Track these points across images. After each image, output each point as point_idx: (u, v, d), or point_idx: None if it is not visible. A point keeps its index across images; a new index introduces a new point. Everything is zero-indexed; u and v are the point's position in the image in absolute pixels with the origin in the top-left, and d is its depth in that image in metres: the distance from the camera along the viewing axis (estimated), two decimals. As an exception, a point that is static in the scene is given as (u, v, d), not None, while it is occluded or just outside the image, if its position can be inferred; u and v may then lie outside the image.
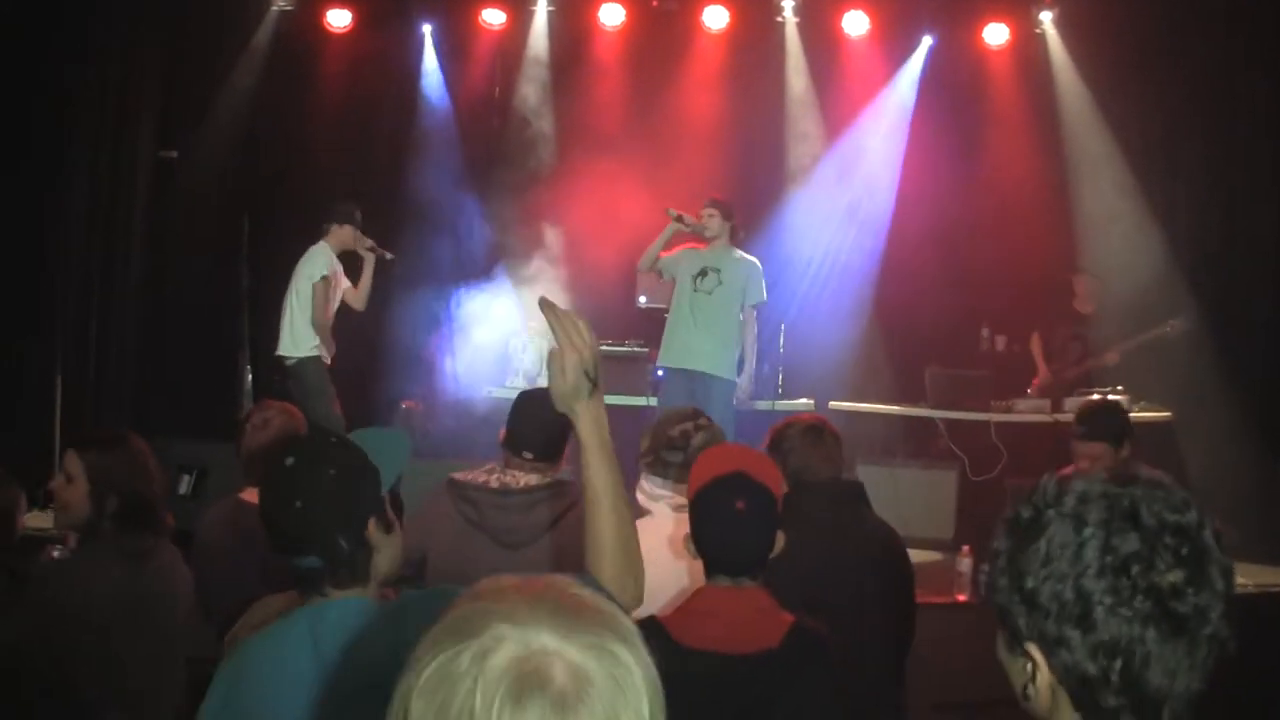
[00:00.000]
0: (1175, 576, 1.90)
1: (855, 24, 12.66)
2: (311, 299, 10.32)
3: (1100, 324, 11.50)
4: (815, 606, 4.07)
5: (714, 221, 10.38)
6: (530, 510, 4.84)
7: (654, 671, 1.62)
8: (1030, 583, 1.96)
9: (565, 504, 4.83)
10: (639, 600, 2.99)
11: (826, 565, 4.73)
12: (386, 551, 3.12)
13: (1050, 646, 1.95)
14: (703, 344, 10.30)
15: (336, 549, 3.00)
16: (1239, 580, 5.86)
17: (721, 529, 3.73)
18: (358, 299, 10.80)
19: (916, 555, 10.16)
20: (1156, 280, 11.47)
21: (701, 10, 12.61)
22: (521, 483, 4.88)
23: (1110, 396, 10.50)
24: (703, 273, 10.34)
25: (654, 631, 3.45)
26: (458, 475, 5.02)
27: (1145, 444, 10.61)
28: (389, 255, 10.96)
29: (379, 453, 3.16)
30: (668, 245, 10.55)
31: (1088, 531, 1.93)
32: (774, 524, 3.84)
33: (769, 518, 3.82)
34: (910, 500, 10.75)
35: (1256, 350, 11.56)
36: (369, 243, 10.72)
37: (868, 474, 10.84)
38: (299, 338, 10.41)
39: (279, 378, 11.24)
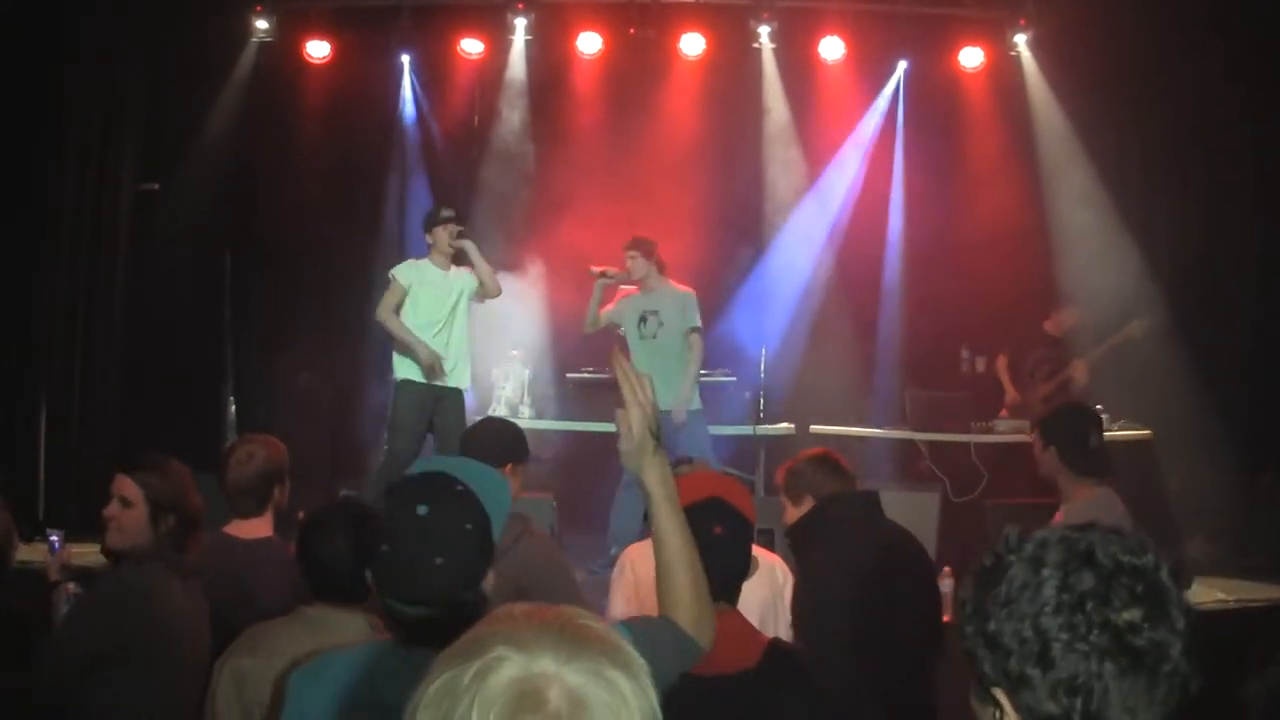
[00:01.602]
0: (1131, 614, 1.93)
1: (831, 49, 12.71)
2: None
3: (1074, 344, 11.55)
4: (852, 605, 4.21)
5: (637, 264, 10.42)
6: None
7: (652, 702, 1.66)
8: (993, 625, 2.00)
9: (508, 542, 4.84)
10: (710, 634, 3.09)
11: (859, 566, 4.92)
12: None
13: (1014, 687, 1.98)
14: (659, 387, 10.19)
15: (462, 604, 2.93)
16: (1219, 596, 5.93)
17: (699, 554, 3.78)
18: (488, 287, 9.86)
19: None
20: (1135, 297, 11.53)
21: (679, 37, 12.65)
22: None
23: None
24: (643, 319, 10.45)
25: None
26: None
27: (1125, 462, 10.71)
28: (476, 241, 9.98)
29: (486, 497, 3.08)
30: (604, 300, 10.60)
31: (1046, 572, 1.98)
32: (749, 549, 3.93)
33: (745, 543, 3.91)
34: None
35: (1235, 367, 11.63)
36: (456, 229, 9.71)
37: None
38: (397, 358, 9.72)
39: (263, 409, 11.24)
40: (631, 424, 2.95)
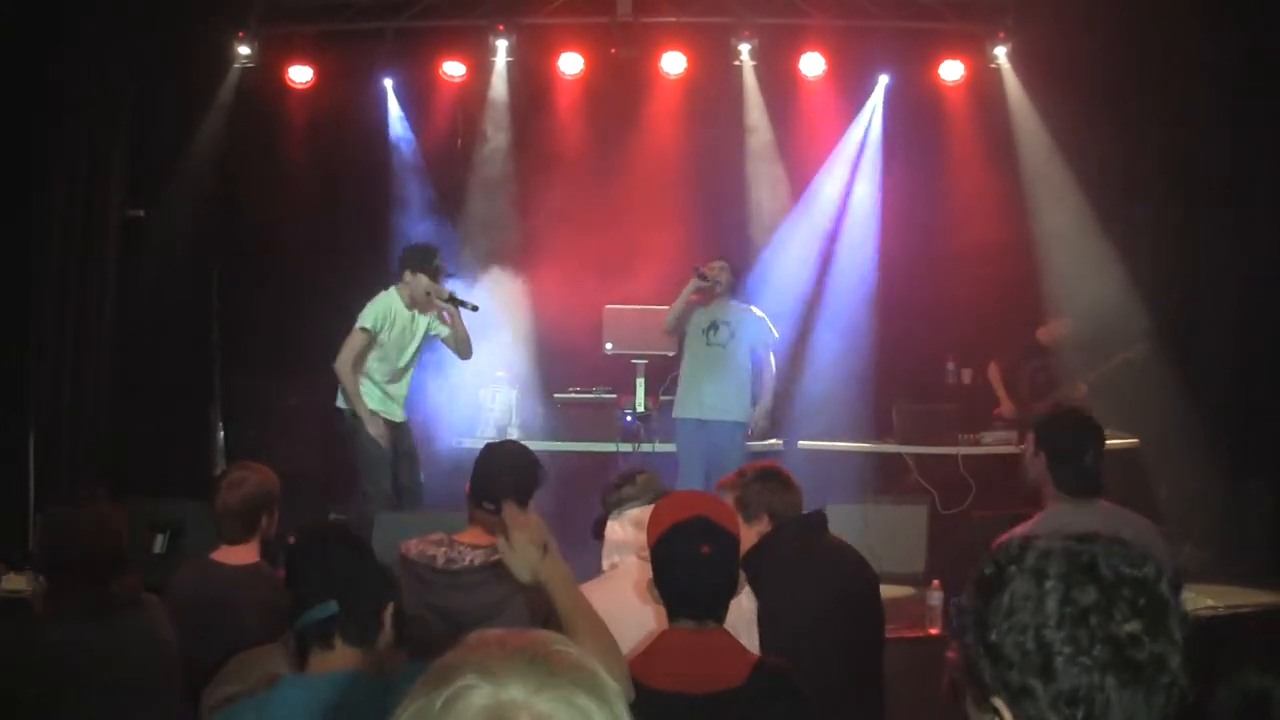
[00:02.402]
0: (1133, 626, 1.96)
1: (812, 65, 12.72)
2: (345, 343, 9.45)
3: (1062, 354, 11.59)
4: (811, 632, 4.23)
5: (725, 276, 10.67)
6: (476, 590, 4.88)
7: None
8: (994, 635, 2.03)
9: (510, 584, 4.88)
10: (628, 686, 3.29)
11: (816, 593, 4.91)
12: (385, 642, 3.41)
13: (1015, 698, 2.01)
14: (717, 394, 10.55)
15: (359, 600, 3.33)
16: (1208, 603, 5.91)
17: (686, 573, 3.79)
18: (461, 348, 9.87)
19: (888, 590, 10.16)
20: (1117, 308, 11.56)
21: (659, 56, 12.65)
22: (468, 559, 4.92)
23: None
24: (713, 326, 10.62)
25: None
26: (406, 548, 5.06)
27: (1113, 471, 10.71)
28: (475, 306, 9.86)
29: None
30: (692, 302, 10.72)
31: (1049, 584, 2.00)
32: (736, 567, 3.93)
33: (732, 561, 3.91)
34: (881, 536, 10.75)
35: (1221, 373, 11.64)
36: (447, 293, 9.61)
37: (837, 511, 10.76)
38: (362, 391, 9.56)
39: (252, 433, 11.24)
40: (515, 544, 3.38)
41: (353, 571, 3.26)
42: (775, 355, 10.85)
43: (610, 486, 5.15)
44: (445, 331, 9.79)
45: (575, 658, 1.68)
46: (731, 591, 3.92)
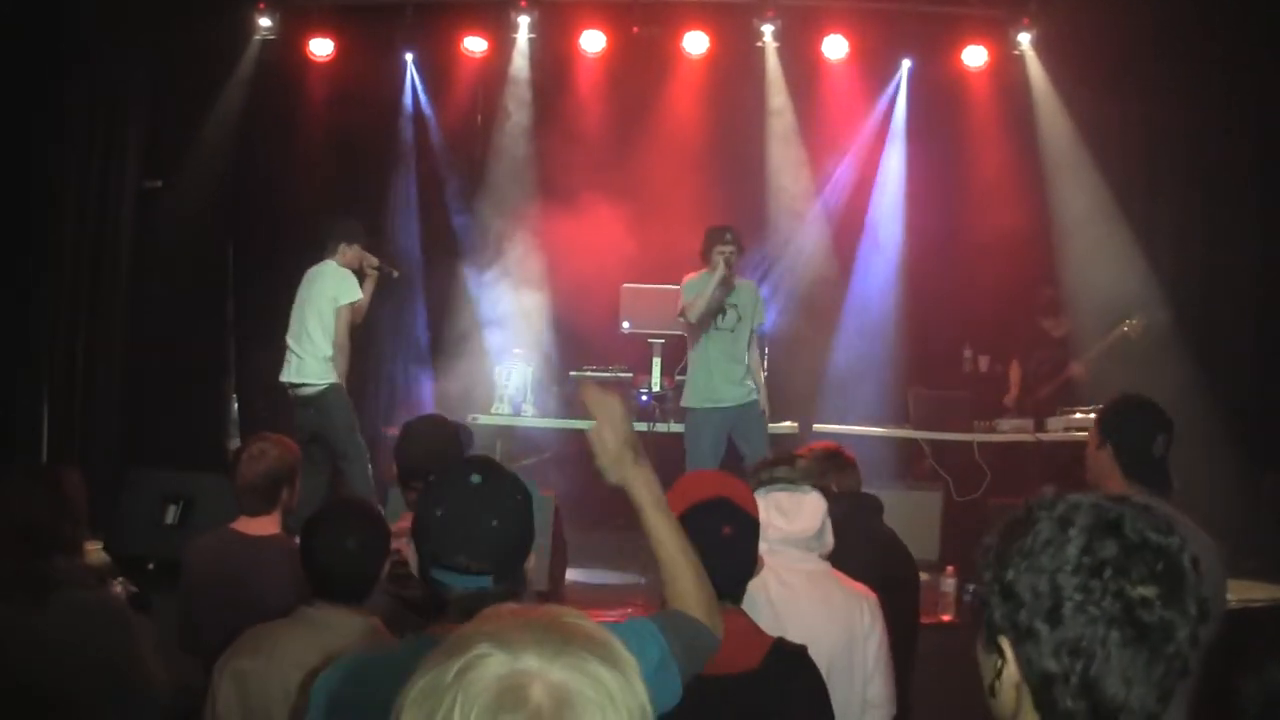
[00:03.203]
0: (1146, 590, 1.97)
1: (835, 48, 12.69)
2: (335, 321, 9.89)
3: (1076, 345, 11.53)
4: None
5: (735, 258, 10.23)
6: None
7: (643, 699, 1.65)
8: (1010, 574, 2.05)
9: None
10: (718, 622, 3.16)
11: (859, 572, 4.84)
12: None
13: (1020, 639, 2.02)
14: (735, 379, 10.28)
15: (516, 572, 2.99)
16: None
17: (707, 553, 3.75)
18: (357, 314, 10.25)
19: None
20: (1137, 296, 11.52)
21: (682, 36, 12.63)
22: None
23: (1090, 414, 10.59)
24: (723, 310, 10.26)
25: None
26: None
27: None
28: (395, 272, 10.75)
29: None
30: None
31: (1072, 532, 2.02)
32: (756, 548, 3.90)
33: (752, 542, 3.88)
34: (895, 521, 10.58)
35: (1238, 368, 11.61)
36: (375, 261, 10.35)
37: (852, 496, 10.88)
38: (322, 365, 9.93)
39: (266, 406, 11.24)
40: (605, 440, 3.03)
41: (505, 541, 2.95)
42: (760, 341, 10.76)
43: (765, 462, 5.11)
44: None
45: (589, 629, 1.68)
46: (750, 573, 3.89)
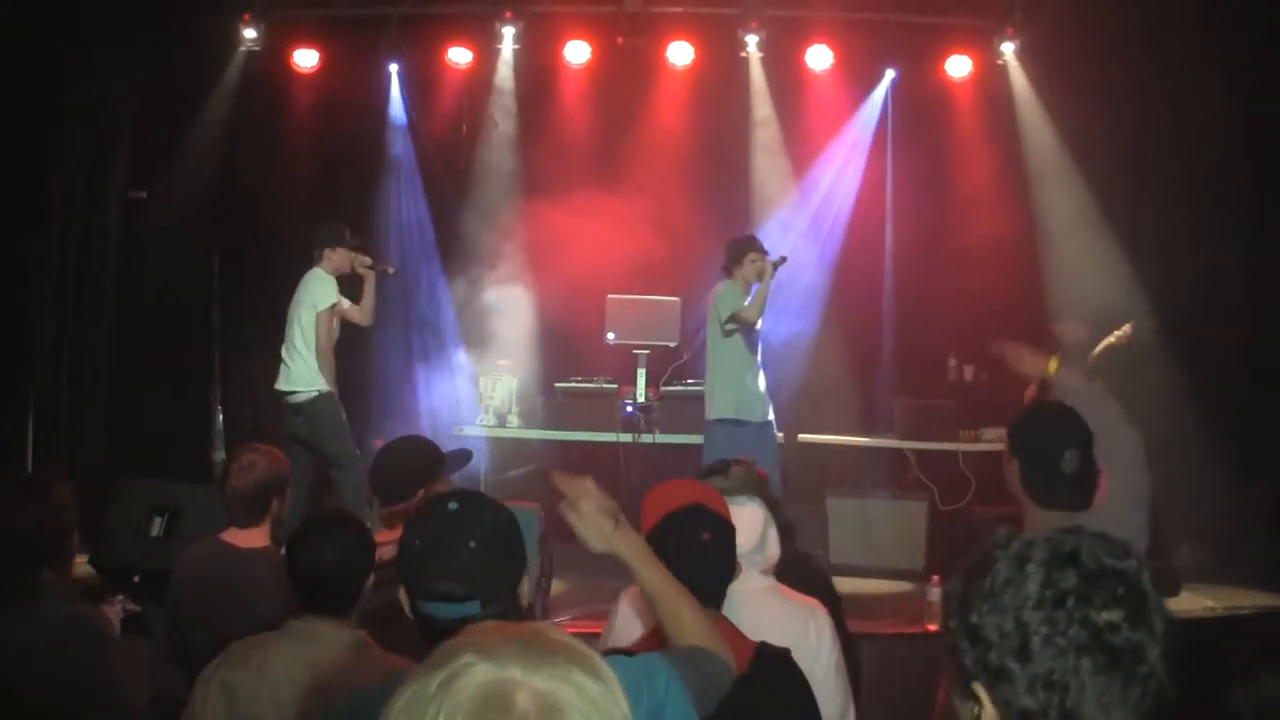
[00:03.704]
0: (1111, 614, 1.97)
1: (819, 58, 12.70)
2: (315, 328, 9.90)
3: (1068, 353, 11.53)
4: None
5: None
6: (389, 586, 4.81)
7: (624, 708, 1.67)
8: (975, 618, 2.04)
9: None
10: (730, 657, 3.20)
11: None
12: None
13: (993, 680, 2.02)
14: (757, 392, 10.18)
15: (505, 596, 2.98)
16: (1207, 604, 5.78)
17: (687, 560, 3.75)
18: (364, 315, 10.40)
19: (887, 586, 10.29)
20: (1124, 304, 11.53)
21: (666, 46, 12.64)
22: (379, 557, 4.88)
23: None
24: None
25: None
26: None
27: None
28: (391, 270, 10.83)
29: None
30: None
31: (1030, 568, 2.02)
32: (734, 555, 3.91)
33: (730, 549, 3.90)
34: (881, 531, 10.81)
35: (1225, 375, 11.62)
36: (367, 260, 10.35)
37: (838, 506, 10.93)
38: (309, 372, 9.95)
39: (251, 416, 11.23)
40: (583, 514, 3.11)
41: (486, 563, 2.93)
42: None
43: (698, 472, 5.08)
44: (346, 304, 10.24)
45: (572, 642, 1.70)
46: (730, 578, 3.89)
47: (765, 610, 4.33)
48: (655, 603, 3.16)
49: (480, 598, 2.89)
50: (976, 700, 2.06)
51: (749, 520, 4.41)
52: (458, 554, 2.91)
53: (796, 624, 4.40)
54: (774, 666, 3.75)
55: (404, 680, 1.65)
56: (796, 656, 4.08)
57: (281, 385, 10.10)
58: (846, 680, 4.51)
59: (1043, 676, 1.97)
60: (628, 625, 4.33)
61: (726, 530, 3.91)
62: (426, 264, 12.87)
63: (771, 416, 10.28)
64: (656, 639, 3.77)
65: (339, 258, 10.15)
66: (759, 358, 10.26)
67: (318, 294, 9.97)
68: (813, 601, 4.57)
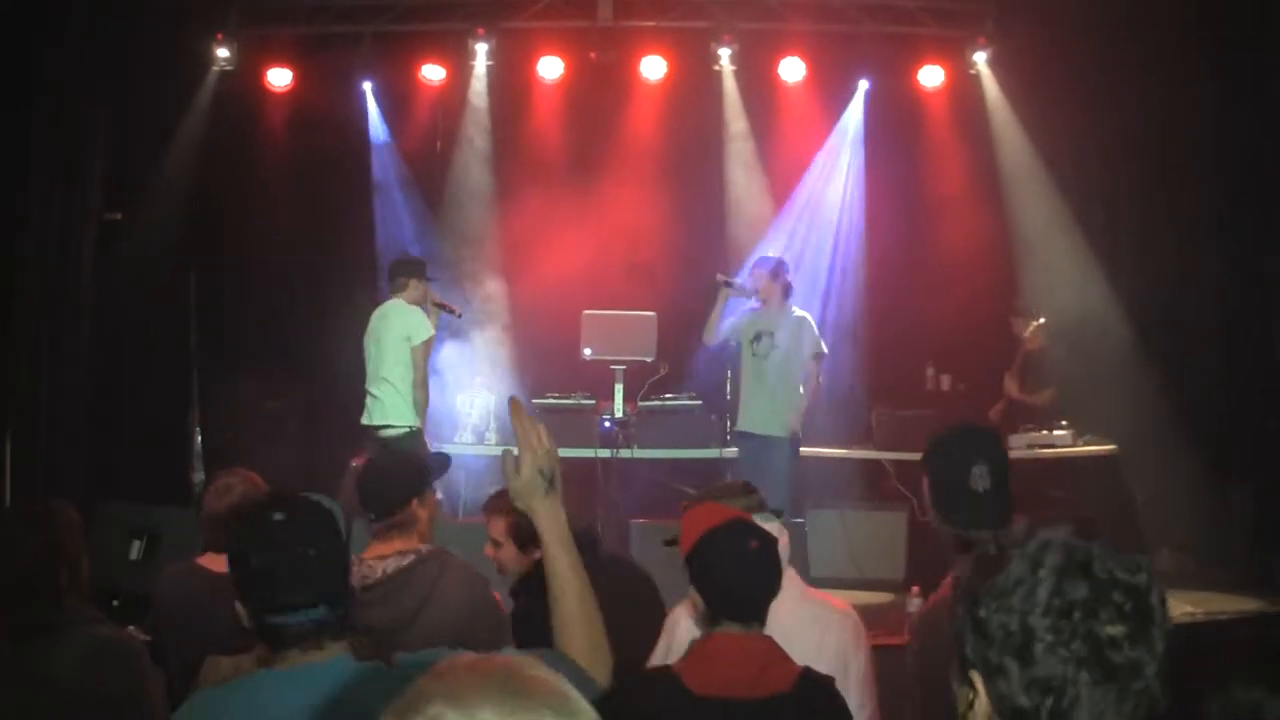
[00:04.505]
0: (1115, 629, 2.00)
1: (792, 70, 12.73)
2: (413, 360, 9.93)
3: (1044, 360, 11.55)
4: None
5: (763, 282, 10.62)
6: (388, 602, 4.83)
7: None
8: (983, 612, 2.07)
9: (428, 585, 4.84)
10: (605, 671, 3.11)
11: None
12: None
13: (991, 674, 2.06)
14: (762, 408, 10.59)
15: (343, 596, 3.03)
16: (1186, 609, 5.78)
17: (734, 570, 3.76)
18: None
19: (867, 596, 10.28)
20: (1099, 314, 11.56)
21: (639, 61, 12.66)
22: (379, 571, 4.88)
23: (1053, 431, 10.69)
24: (758, 337, 10.61)
25: (668, 680, 3.64)
26: None
27: (1091, 477, 10.74)
28: (458, 312, 10.82)
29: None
30: (726, 312, 10.85)
31: (1042, 573, 2.04)
32: (779, 568, 3.92)
33: (776, 563, 3.91)
34: (861, 542, 10.82)
35: (1200, 379, 11.63)
36: (438, 298, 10.46)
37: (817, 517, 10.92)
38: (403, 406, 9.98)
39: (230, 438, 11.18)
40: (521, 465, 3.05)
41: (329, 568, 3.01)
42: (819, 367, 10.81)
43: (720, 490, 5.08)
44: None
45: (548, 682, 1.66)
46: (775, 593, 3.88)
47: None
48: (552, 587, 3.09)
49: (326, 602, 2.96)
50: (972, 687, 2.09)
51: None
52: (303, 565, 2.96)
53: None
54: (818, 689, 3.77)
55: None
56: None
57: (372, 420, 10.10)
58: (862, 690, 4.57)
59: (1040, 681, 2.00)
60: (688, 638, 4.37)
61: (771, 543, 3.92)
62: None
63: (783, 432, 10.53)
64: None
65: (418, 291, 10.15)
66: (770, 376, 10.55)
67: (413, 326, 9.97)
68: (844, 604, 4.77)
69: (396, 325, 9.99)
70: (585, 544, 5.35)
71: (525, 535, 5.28)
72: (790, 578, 4.49)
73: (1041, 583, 2.03)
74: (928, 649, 4.09)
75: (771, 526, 4.54)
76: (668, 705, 3.62)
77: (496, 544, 5.32)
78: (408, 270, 10.20)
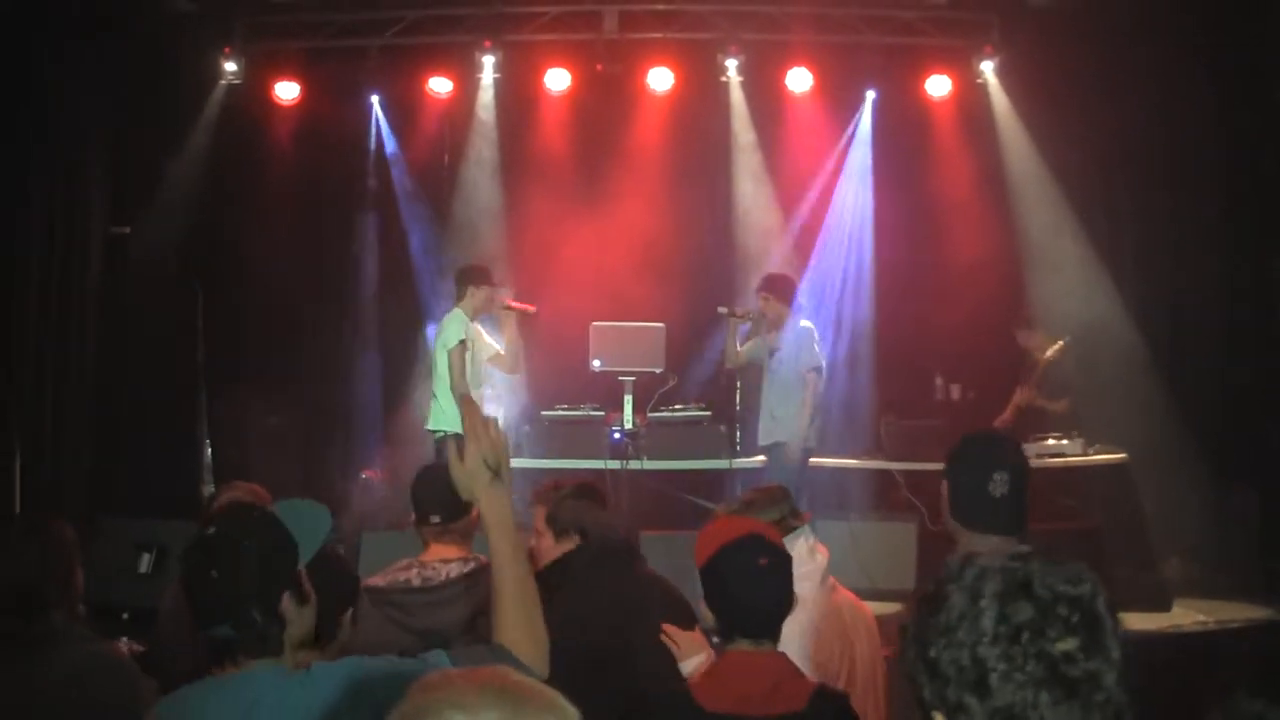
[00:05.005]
0: (1067, 644, 1.98)
1: (799, 80, 12.71)
2: (445, 367, 10.27)
3: (1060, 373, 11.53)
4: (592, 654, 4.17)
5: (769, 305, 10.86)
6: (450, 606, 4.83)
7: None
8: (933, 652, 2.05)
9: (481, 596, 4.84)
10: (543, 663, 3.12)
11: (597, 620, 4.78)
12: (299, 622, 3.20)
13: (952, 713, 2.03)
14: (772, 419, 10.83)
15: (249, 620, 3.07)
16: (1198, 617, 5.79)
17: (744, 587, 3.75)
18: (507, 360, 10.74)
19: (877, 607, 10.23)
20: (1107, 324, 11.54)
21: (646, 72, 12.67)
22: (444, 574, 4.88)
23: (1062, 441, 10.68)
24: (770, 353, 10.88)
25: (680, 699, 3.64)
26: (374, 581, 4.98)
27: (1101, 486, 10.72)
28: (532, 309, 10.87)
29: (298, 526, 3.25)
30: (742, 337, 11.13)
31: (984, 602, 2.02)
32: (791, 585, 3.89)
33: (788, 577, 3.88)
34: (871, 552, 10.77)
35: (1207, 388, 11.63)
36: (507, 301, 10.63)
37: (827, 528, 10.86)
38: (443, 413, 10.35)
39: (238, 451, 11.17)
40: (466, 455, 3.12)
41: (227, 590, 3.10)
42: (816, 379, 10.84)
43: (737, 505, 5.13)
44: (491, 351, 10.62)
45: (538, 686, 1.74)
46: (787, 610, 3.87)
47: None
48: (495, 580, 3.12)
49: (230, 623, 3.07)
50: None
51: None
52: (206, 587, 3.09)
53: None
54: (832, 706, 3.75)
55: None
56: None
57: (428, 424, 10.58)
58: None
59: (1002, 710, 1.98)
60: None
61: (784, 559, 3.90)
62: (409, 293, 12.84)
63: (788, 439, 10.66)
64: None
65: (480, 297, 10.41)
66: (777, 388, 10.82)
67: (448, 333, 10.32)
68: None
69: (441, 333, 10.40)
70: (626, 556, 5.39)
71: (560, 525, 5.30)
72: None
73: (984, 612, 2.01)
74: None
75: (803, 544, 4.59)
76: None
77: (538, 534, 5.30)
78: (463, 278, 10.53)
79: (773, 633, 3.80)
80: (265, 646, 3.11)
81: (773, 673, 3.72)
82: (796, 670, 3.81)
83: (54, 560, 4.60)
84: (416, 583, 4.89)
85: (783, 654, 3.82)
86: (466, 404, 3.30)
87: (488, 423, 3.17)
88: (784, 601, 3.85)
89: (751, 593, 3.76)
